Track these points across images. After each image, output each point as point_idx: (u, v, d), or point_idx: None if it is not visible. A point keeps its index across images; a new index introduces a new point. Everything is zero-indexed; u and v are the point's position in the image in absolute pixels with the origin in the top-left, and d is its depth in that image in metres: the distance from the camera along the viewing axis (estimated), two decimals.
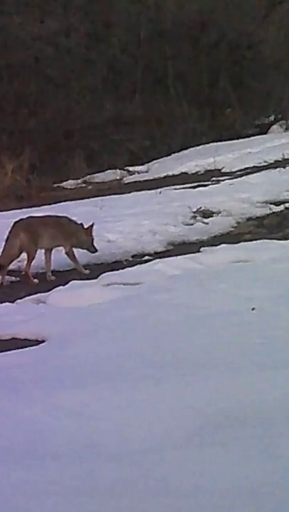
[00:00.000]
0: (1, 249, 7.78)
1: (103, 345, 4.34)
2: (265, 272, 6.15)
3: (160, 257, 7.81)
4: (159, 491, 2.35)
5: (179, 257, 7.44)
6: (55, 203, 14.04)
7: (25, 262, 7.75)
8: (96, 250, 8.03)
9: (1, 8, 22.32)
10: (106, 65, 23.42)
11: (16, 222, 7.87)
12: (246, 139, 19.97)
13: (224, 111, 23.80)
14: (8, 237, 7.76)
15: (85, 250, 8.02)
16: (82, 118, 22.28)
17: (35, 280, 7.66)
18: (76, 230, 7.98)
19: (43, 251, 7.90)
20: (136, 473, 2.50)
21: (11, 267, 8.18)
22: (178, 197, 11.79)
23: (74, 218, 8.22)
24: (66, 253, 7.95)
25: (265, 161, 15.37)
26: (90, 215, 11.27)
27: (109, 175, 19.38)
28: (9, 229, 7.83)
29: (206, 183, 14.19)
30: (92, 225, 8.00)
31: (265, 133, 21.84)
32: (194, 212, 10.03)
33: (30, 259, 7.74)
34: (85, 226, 7.97)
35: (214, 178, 14.90)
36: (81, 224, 8.04)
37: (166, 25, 23.29)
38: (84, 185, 18.99)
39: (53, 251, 7.96)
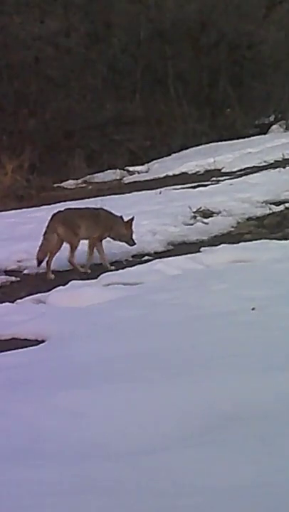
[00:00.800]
0: (40, 243, 7.84)
1: (103, 345, 4.34)
2: (265, 271, 6.15)
3: (160, 257, 7.81)
4: (159, 491, 2.35)
5: (179, 257, 7.44)
6: (55, 203, 14.03)
7: (69, 253, 7.84)
8: (134, 243, 8.12)
9: (1, 8, 22.33)
10: (106, 65, 23.42)
11: (53, 216, 7.97)
12: (246, 139, 19.97)
13: (224, 111, 23.80)
14: (45, 232, 7.86)
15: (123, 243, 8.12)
16: (82, 118, 22.29)
17: (82, 269, 7.77)
18: (114, 223, 8.08)
19: (67, 246, 7.92)
20: (136, 473, 2.50)
21: (12, 266, 8.19)
22: (178, 197, 11.79)
23: (112, 211, 8.33)
24: (89, 244, 8.00)
25: (265, 161, 15.37)
26: None
27: (109, 175, 19.38)
28: (47, 223, 7.92)
29: (206, 183, 14.19)
30: (132, 219, 8.09)
31: (265, 133, 21.84)
32: (194, 212, 10.03)
33: (74, 249, 7.86)
34: (125, 219, 8.07)
35: (214, 178, 14.90)
36: (120, 217, 8.13)
37: (166, 25, 23.29)
38: (84, 185, 19.00)
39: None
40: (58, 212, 8.03)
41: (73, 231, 7.84)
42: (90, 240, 8.00)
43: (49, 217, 8.00)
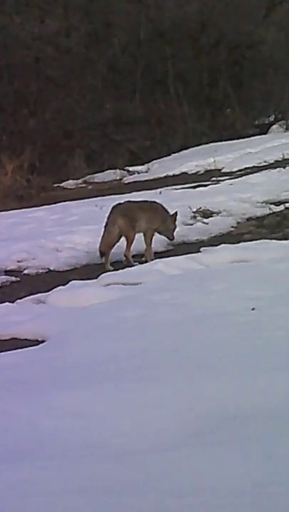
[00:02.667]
0: (101, 235, 7.95)
1: (103, 345, 4.34)
2: (265, 271, 6.14)
3: (160, 257, 7.81)
4: (159, 491, 2.35)
5: (178, 257, 7.44)
6: (55, 203, 14.05)
7: (125, 247, 7.94)
8: (173, 238, 8.34)
9: (1, 8, 22.33)
10: (106, 65, 23.43)
11: (113, 208, 8.06)
12: (246, 139, 19.97)
13: (224, 111, 23.81)
14: (106, 224, 7.95)
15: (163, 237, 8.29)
16: (82, 118, 22.30)
17: (135, 263, 7.82)
18: (167, 216, 8.27)
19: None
20: (136, 473, 2.50)
21: (12, 266, 8.19)
22: (178, 197, 11.78)
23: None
24: (147, 236, 8.13)
25: (265, 161, 15.37)
26: (90, 215, 11.28)
27: (109, 175, 19.39)
28: (107, 214, 8.01)
29: (206, 183, 14.19)
30: (176, 213, 8.31)
31: (265, 133, 21.84)
32: (194, 212, 10.03)
33: (130, 242, 7.95)
34: (171, 213, 8.27)
35: (214, 178, 14.90)
36: (168, 211, 8.30)
37: (166, 25, 23.29)
38: (84, 185, 19.00)
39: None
40: (118, 204, 8.13)
41: (132, 224, 7.95)
42: (147, 232, 8.13)
43: (109, 209, 8.10)
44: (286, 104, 22.41)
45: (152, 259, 7.88)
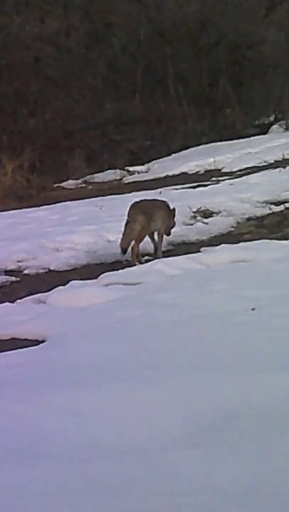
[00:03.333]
0: (122, 233, 8.05)
1: (103, 345, 4.34)
2: (265, 272, 6.14)
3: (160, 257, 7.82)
4: (159, 491, 2.35)
5: (178, 257, 7.44)
6: (55, 203, 14.05)
7: (135, 242, 8.02)
8: (170, 234, 8.48)
9: (1, 8, 22.34)
10: (106, 65, 23.44)
11: (133, 205, 8.15)
12: (246, 139, 19.98)
13: (224, 111, 23.82)
14: (128, 221, 8.04)
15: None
16: (82, 118, 22.31)
17: (144, 258, 7.99)
18: (171, 214, 8.40)
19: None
20: (136, 473, 2.50)
21: (12, 266, 8.19)
22: (178, 197, 11.78)
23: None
24: (160, 234, 8.27)
25: (265, 161, 15.38)
26: (90, 215, 11.29)
27: (109, 175, 19.40)
28: (127, 212, 8.11)
29: (206, 183, 14.20)
30: (175, 209, 8.44)
31: (265, 133, 21.85)
32: (194, 212, 10.03)
33: (141, 240, 8.07)
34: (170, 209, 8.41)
35: (214, 178, 14.91)
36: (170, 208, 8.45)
37: (166, 25, 23.30)
38: (84, 185, 19.01)
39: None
40: (136, 202, 8.21)
41: (148, 223, 8.05)
42: (160, 230, 8.25)
43: (128, 207, 8.17)
44: (286, 104, 22.42)
45: (160, 256, 7.98)
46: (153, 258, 8.02)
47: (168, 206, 8.41)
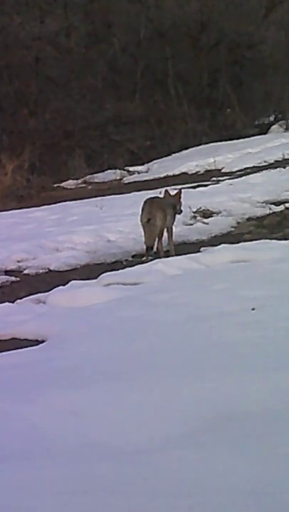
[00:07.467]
0: (143, 232, 8.05)
1: (103, 346, 4.34)
2: (265, 271, 6.14)
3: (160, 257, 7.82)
4: (159, 490, 2.35)
5: (178, 257, 7.44)
6: (55, 203, 14.06)
7: (158, 239, 8.10)
8: (182, 212, 8.64)
9: (1, 8, 22.34)
10: (106, 65, 23.45)
11: (148, 202, 8.11)
12: (246, 139, 20.00)
13: (224, 111, 23.84)
14: (148, 219, 8.02)
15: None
16: (82, 118, 22.31)
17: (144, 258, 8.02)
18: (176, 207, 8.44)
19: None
20: (136, 473, 2.50)
21: (12, 267, 8.20)
22: None
23: None
24: (170, 230, 8.31)
25: (265, 161, 15.39)
26: (90, 215, 11.29)
27: (109, 175, 19.41)
28: (142, 208, 8.07)
29: (206, 183, 14.22)
30: (180, 191, 8.61)
31: (265, 133, 21.87)
32: (194, 213, 10.04)
33: (162, 236, 8.16)
34: None
35: (214, 178, 14.93)
36: None
37: (166, 25, 23.31)
38: (84, 185, 19.01)
39: None
40: (151, 199, 8.21)
41: (164, 219, 8.09)
42: (171, 227, 8.28)
43: (142, 205, 8.13)
44: (286, 104, 22.43)
45: (173, 254, 7.98)
46: (167, 256, 7.96)
47: (174, 204, 8.39)
